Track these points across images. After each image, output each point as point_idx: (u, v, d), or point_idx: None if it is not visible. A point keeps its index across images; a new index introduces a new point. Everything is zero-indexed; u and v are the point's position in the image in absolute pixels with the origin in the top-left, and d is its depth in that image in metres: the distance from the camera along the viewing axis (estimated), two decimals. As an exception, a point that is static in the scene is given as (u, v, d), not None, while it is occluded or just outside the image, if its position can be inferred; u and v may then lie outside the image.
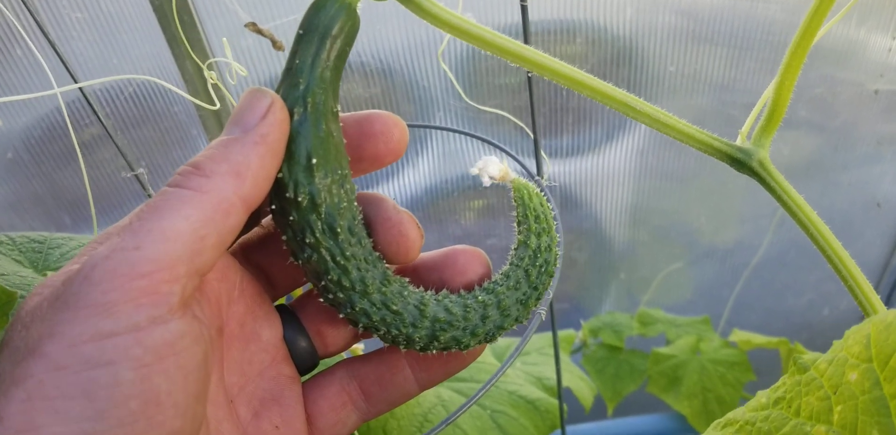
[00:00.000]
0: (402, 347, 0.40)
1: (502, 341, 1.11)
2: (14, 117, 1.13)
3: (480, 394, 0.57)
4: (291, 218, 0.36)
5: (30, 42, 0.73)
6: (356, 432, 0.77)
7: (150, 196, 0.93)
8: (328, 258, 0.37)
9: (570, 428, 1.40)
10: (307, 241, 0.36)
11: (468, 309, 0.40)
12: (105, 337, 0.28)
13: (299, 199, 0.36)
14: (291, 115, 0.35)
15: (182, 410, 0.30)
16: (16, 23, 0.75)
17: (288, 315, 0.44)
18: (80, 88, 0.80)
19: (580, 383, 1.06)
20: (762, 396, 0.39)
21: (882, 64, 1.37)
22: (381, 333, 0.39)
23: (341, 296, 0.38)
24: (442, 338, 0.39)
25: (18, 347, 0.29)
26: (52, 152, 1.16)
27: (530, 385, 0.92)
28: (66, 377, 0.27)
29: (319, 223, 0.36)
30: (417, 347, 0.40)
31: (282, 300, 0.50)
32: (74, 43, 1.06)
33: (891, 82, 1.38)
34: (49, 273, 0.61)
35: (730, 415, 0.40)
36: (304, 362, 0.44)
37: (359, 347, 0.73)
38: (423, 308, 0.39)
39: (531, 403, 0.85)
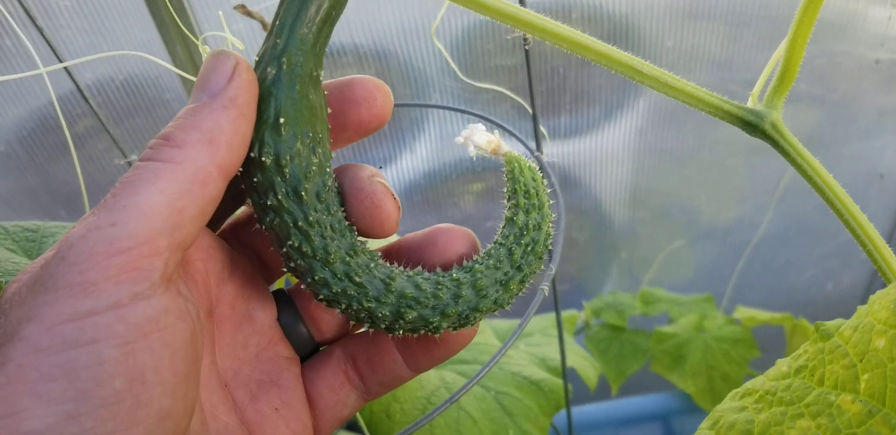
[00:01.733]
0: (367, 324, 0.38)
1: (504, 323, 1.11)
2: (6, 110, 1.12)
3: (481, 375, 0.57)
4: (255, 179, 0.35)
5: (18, 31, 0.72)
6: (359, 415, 0.77)
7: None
8: (290, 222, 0.35)
9: (574, 408, 1.40)
10: (269, 203, 0.35)
11: (439, 287, 0.37)
12: (85, 316, 0.28)
13: (263, 159, 0.34)
14: (265, 75, 0.34)
15: (170, 388, 0.29)
16: (4, 11, 0.74)
17: (285, 300, 0.43)
18: (72, 78, 0.79)
19: (584, 363, 1.06)
20: (783, 365, 0.37)
21: (882, 33, 1.35)
22: (344, 307, 0.37)
23: (302, 263, 0.36)
24: (407, 316, 0.37)
25: None
26: (45, 145, 1.15)
27: (534, 366, 0.92)
28: (46, 359, 0.27)
29: (283, 185, 0.35)
30: (383, 326, 0.38)
31: (280, 284, 0.50)
32: (63, 31, 1.05)
33: (891, 51, 1.37)
34: (44, 262, 0.60)
35: (748, 384, 0.39)
36: (304, 348, 0.43)
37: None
38: (389, 282, 0.37)
39: (535, 383, 0.85)
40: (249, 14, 0.99)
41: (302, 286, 0.38)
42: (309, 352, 0.43)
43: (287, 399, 0.40)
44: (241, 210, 0.43)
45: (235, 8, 0.97)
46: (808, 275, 1.70)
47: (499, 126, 0.87)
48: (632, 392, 1.49)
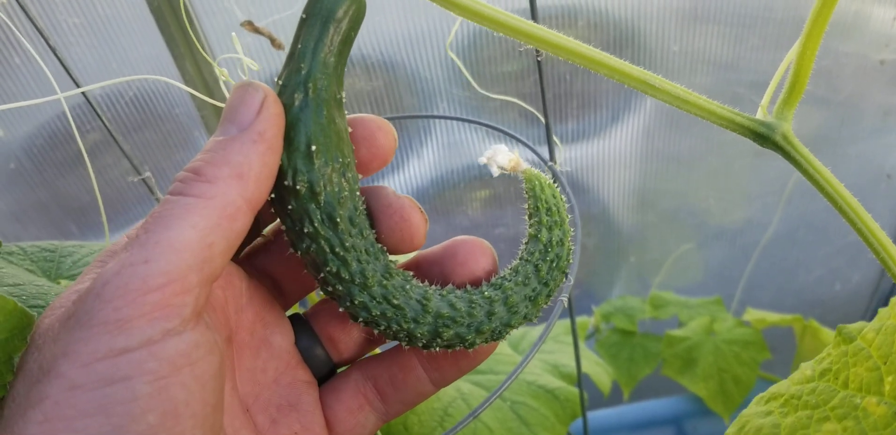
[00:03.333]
0: (404, 343, 0.39)
1: (516, 331, 1.11)
2: (15, 126, 1.13)
3: (501, 390, 0.57)
4: (290, 207, 0.35)
5: (30, 48, 0.73)
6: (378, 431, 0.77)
7: (158, 199, 0.93)
8: (327, 249, 0.36)
9: (588, 414, 1.40)
10: (305, 230, 0.35)
11: (473, 305, 0.38)
12: (119, 353, 0.28)
13: (298, 187, 0.35)
14: (292, 101, 0.35)
15: (200, 420, 0.30)
16: (14, 30, 0.74)
17: (302, 324, 0.43)
18: (85, 95, 0.80)
19: (597, 369, 1.06)
20: (807, 369, 0.38)
21: (886, 34, 1.35)
22: (383, 328, 0.38)
23: (340, 288, 0.37)
24: (445, 334, 0.38)
25: (32, 369, 0.29)
26: (55, 160, 1.15)
27: (548, 374, 0.92)
28: (82, 396, 0.27)
29: (318, 212, 0.35)
30: (420, 344, 0.38)
31: (295, 308, 0.50)
32: (73, 48, 1.05)
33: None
34: (63, 282, 0.61)
35: (773, 388, 0.39)
36: (321, 370, 0.43)
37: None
38: (425, 303, 0.38)
39: (551, 392, 0.86)
40: (257, 30, 0.99)
41: (340, 309, 0.38)
42: (325, 374, 0.44)
43: (306, 423, 0.41)
44: (257, 239, 0.43)
45: (242, 24, 0.97)
46: (816, 275, 1.70)
47: (513, 138, 0.87)
48: (644, 396, 1.49)
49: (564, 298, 0.58)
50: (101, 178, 1.21)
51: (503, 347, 0.98)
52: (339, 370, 0.45)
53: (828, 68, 1.40)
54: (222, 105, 0.61)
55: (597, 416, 1.43)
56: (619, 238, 1.60)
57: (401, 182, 1.39)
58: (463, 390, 0.83)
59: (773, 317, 1.41)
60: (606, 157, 1.45)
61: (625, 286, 1.67)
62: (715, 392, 1.29)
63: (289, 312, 0.44)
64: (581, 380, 0.89)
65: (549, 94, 1.35)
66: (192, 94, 1.11)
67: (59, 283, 0.60)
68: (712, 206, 1.60)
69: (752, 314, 1.45)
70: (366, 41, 1.18)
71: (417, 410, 0.79)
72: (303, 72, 0.34)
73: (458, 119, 1.24)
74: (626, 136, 1.43)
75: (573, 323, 0.81)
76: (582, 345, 1.22)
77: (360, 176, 0.38)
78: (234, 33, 0.56)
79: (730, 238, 1.64)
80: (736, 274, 1.62)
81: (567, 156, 1.44)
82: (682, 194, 1.58)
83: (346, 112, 0.37)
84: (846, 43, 1.38)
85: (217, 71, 0.54)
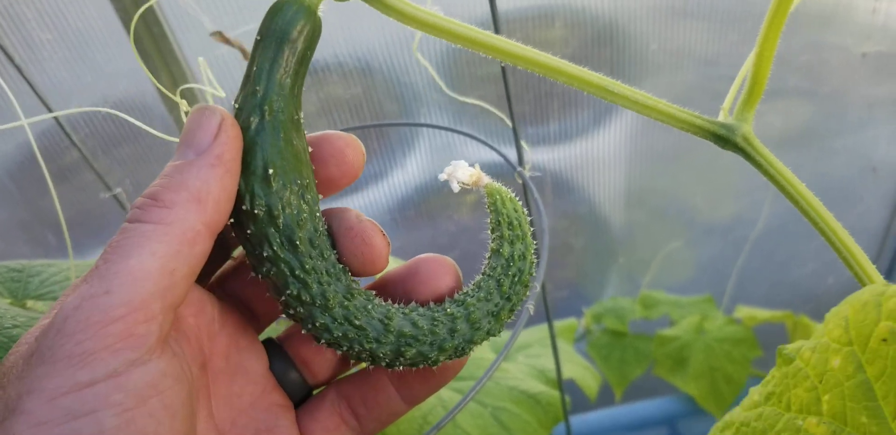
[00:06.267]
0: (368, 363, 0.39)
1: (502, 335, 1.11)
2: (-6, 145, 1.13)
3: (471, 395, 0.57)
4: (249, 231, 0.35)
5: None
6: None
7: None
8: (287, 272, 0.36)
9: (577, 417, 1.40)
10: (265, 254, 0.35)
11: (435, 323, 0.38)
12: (84, 387, 0.28)
13: (256, 211, 0.35)
14: (248, 124, 0.34)
15: None
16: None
17: (275, 348, 0.43)
18: (58, 122, 0.80)
19: (584, 373, 1.06)
20: (755, 394, 0.38)
21: (868, 25, 1.35)
22: (345, 349, 0.38)
23: (301, 311, 0.37)
24: (407, 353, 0.38)
25: None
26: (34, 178, 1.15)
27: (532, 379, 0.92)
28: (48, 431, 0.27)
29: (277, 236, 0.35)
30: (383, 364, 0.38)
31: (271, 332, 0.50)
32: (45, 64, 1.05)
33: (878, 44, 1.36)
34: (29, 302, 0.61)
35: (727, 417, 0.39)
36: (297, 393, 0.43)
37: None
38: (387, 322, 0.38)
39: (532, 397, 0.85)
40: (227, 41, 0.98)
41: (303, 331, 0.38)
42: (302, 397, 0.44)
43: None
44: (227, 263, 0.43)
45: (212, 35, 0.96)
46: (809, 269, 1.69)
47: (485, 144, 0.87)
48: (636, 397, 1.49)
49: (530, 306, 0.58)
50: (84, 194, 1.20)
51: (486, 352, 0.98)
52: (315, 391, 0.45)
53: (809, 62, 1.40)
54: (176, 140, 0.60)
55: (588, 418, 1.43)
56: (607, 238, 1.59)
57: (385, 189, 1.39)
58: (443, 398, 0.82)
59: (763, 314, 1.40)
60: (591, 156, 1.45)
61: (615, 286, 1.66)
62: (707, 391, 1.28)
63: (262, 336, 0.44)
64: (562, 383, 0.88)
65: (529, 94, 1.35)
66: (169, 107, 1.11)
67: (24, 303, 0.60)
68: (700, 203, 1.59)
69: (742, 311, 1.44)
70: (342, 47, 1.18)
71: (399, 418, 0.78)
72: (258, 94, 0.34)
73: (432, 126, 1.24)
74: (611, 135, 1.43)
75: (551, 327, 0.80)
76: (570, 348, 1.22)
77: (319, 197, 0.38)
78: (200, 59, 0.55)
79: (719, 234, 1.63)
80: (727, 270, 1.61)
81: (551, 156, 1.44)
82: (670, 192, 1.57)
83: (304, 132, 0.37)
84: (827, 35, 1.38)
85: (179, 102, 0.53)
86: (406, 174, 1.37)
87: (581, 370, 1.06)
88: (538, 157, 1.42)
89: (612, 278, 1.67)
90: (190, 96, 1.10)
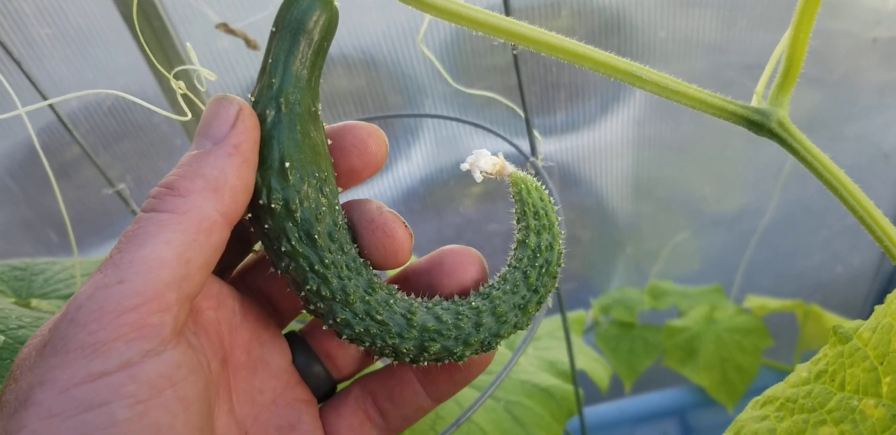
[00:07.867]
0: (391, 359, 0.38)
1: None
2: (-5, 141, 1.12)
3: (489, 392, 0.56)
4: (266, 226, 0.35)
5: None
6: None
7: (134, 212, 0.92)
8: (306, 267, 0.35)
9: (588, 409, 1.39)
10: (283, 249, 0.35)
11: (460, 316, 0.37)
12: (97, 378, 0.27)
13: (273, 205, 0.34)
14: (264, 117, 0.34)
15: None
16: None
17: (298, 342, 0.42)
18: (53, 108, 0.78)
19: (594, 365, 1.05)
20: (802, 370, 0.36)
21: (877, 11, 1.33)
22: (368, 344, 0.37)
23: (322, 306, 0.36)
24: (431, 349, 0.37)
25: (10, 401, 0.28)
26: (35, 176, 1.14)
27: (543, 372, 0.91)
28: (59, 424, 0.27)
29: (296, 230, 0.34)
30: (407, 359, 0.37)
31: (294, 326, 0.49)
32: (46, 60, 1.04)
33: (888, 29, 1.34)
34: (34, 301, 0.60)
35: (769, 392, 0.38)
36: (321, 388, 0.42)
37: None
38: (410, 317, 0.37)
39: (545, 390, 0.84)
40: (232, 32, 0.96)
41: (324, 327, 0.37)
42: (326, 392, 0.43)
43: None
44: (248, 256, 0.42)
45: (217, 27, 0.94)
46: (817, 259, 1.68)
47: (494, 133, 0.86)
48: (646, 388, 1.48)
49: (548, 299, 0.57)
50: (86, 190, 1.19)
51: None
52: (340, 386, 0.44)
53: (820, 48, 1.38)
54: (183, 119, 0.59)
55: (599, 410, 1.43)
56: (614, 229, 1.58)
57: (390, 182, 1.37)
58: (456, 394, 0.82)
59: (773, 303, 1.39)
60: (598, 147, 1.43)
61: (623, 277, 1.66)
62: (718, 382, 1.28)
63: (285, 330, 0.43)
64: (576, 377, 0.88)
65: (536, 86, 1.33)
66: (171, 102, 1.09)
67: (28, 302, 0.59)
68: (708, 194, 1.58)
69: (752, 301, 1.43)
70: (346, 40, 1.16)
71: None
72: (274, 87, 0.34)
73: (440, 117, 1.22)
74: (618, 125, 1.42)
75: (564, 320, 0.79)
76: (579, 340, 1.21)
77: (339, 190, 0.37)
78: (188, 44, 0.54)
79: (727, 225, 1.62)
80: (735, 261, 1.60)
81: (558, 147, 1.42)
82: (677, 182, 1.56)
83: (323, 124, 0.36)
84: (837, 21, 1.36)
85: (174, 84, 0.52)
86: (411, 166, 1.36)
87: (591, 362, 1.05)
88: (545, 148, 1.41)
89: (620, 270, 1.66)
90: (193, 91, 1.09)
